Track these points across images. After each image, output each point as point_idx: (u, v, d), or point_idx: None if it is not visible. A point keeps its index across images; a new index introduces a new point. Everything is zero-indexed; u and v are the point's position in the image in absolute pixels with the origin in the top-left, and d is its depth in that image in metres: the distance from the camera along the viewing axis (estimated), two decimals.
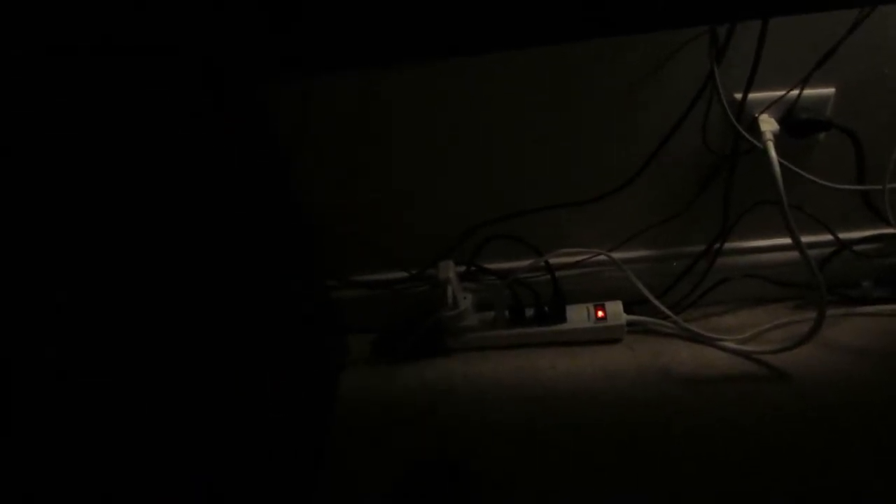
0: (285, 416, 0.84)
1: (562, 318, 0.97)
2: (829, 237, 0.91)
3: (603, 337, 0.98)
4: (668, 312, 0.95)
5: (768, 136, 0.78)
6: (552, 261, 0.94)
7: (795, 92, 0.78)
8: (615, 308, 0.97)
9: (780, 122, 0.80)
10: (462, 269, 0.98)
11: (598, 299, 0.98)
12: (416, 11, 0.44)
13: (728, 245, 0.93)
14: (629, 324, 0.97)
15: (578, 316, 0.97)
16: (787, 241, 0.80)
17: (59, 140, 0.50)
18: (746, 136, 0.79)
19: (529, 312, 0.97)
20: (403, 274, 0.99)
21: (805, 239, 0.80)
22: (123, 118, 0.57)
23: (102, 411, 0.54)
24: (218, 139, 0.72)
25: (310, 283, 0.96)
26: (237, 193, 0.76)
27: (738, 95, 0.79)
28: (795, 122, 0.80)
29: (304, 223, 0.92)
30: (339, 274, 1.00)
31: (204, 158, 0.69)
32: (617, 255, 0.94)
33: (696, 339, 0.96)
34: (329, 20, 0.44)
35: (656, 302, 0.94)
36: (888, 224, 0.86)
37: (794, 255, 0.81)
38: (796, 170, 0.81)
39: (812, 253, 0.81)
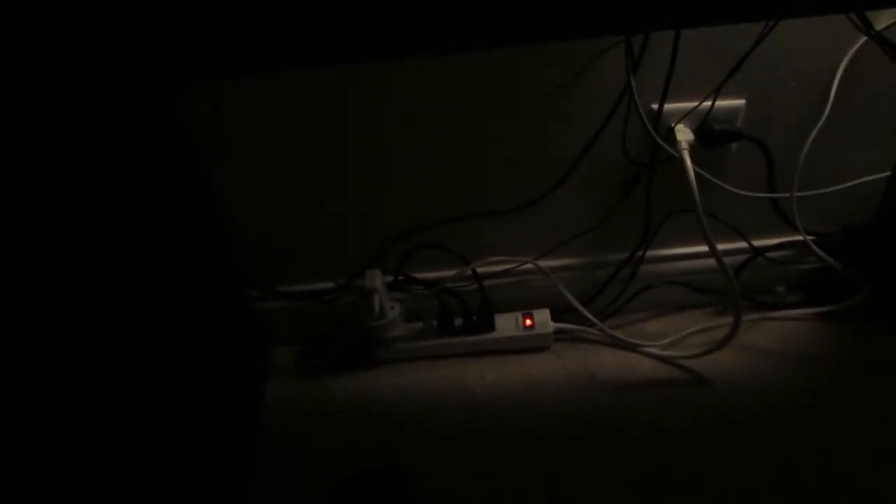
0: (207, 430, 0.81)
1: (490, 327, 0.97)
2: (743, 244, 0.94)
3: (531, 345, 0.98)
4: (594, 320, 0.96)
5: (684, 145, 0.81)
6: (480, 270, 0.94)
7: (709, 103, 0.80)
8: (543, 316, 0.97)
9: (696, 132, 0.83)
10: (390, 278, 0.97)
11: (526, 308, 0.98)
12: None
13: (650, 253, 0.95)
14: (557, 332, 0.97)
15: (507, 325, 0.97)
16: (706, 248, 0.82)
17: None
18: (664, 145, 0.82)
19: (458, 322, 0.97)
20: (330, 284, 0.97)
21: (721, 246, 0.82)
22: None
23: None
24: (131, 145, 0.69)
25: (230, 293, 0.93)
26: (153, 202, 0.73)
27: (655, 106, 0.81)
28: (709, 132, 0.83)
29: (224, 233, 0.90)
30: (265, 284, 0.98)
31: (117, 166, 0.67)
32: (544, 263, 0.95)
33: (621, 345, 0.97)
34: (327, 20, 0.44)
35: (582, 310, 0.95)
36: (797, 231, 0.89)
37: (713, 261, 0.83)
38: (711, 178, 0.84)
39: (728, 260, 0.84)
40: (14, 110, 0.52)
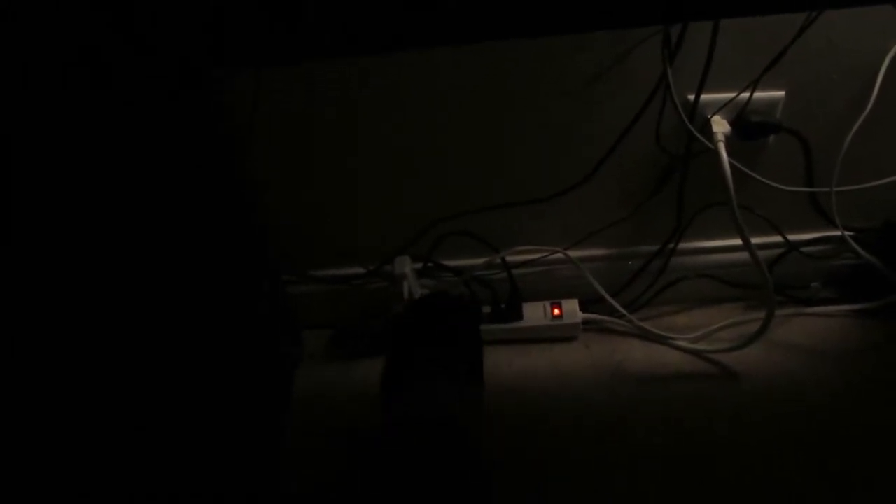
0: (239, 413, 0.83)
1: (518, 315, 0.97)
2: (778, 238, 0.92)
3: (559, 335, 0.98)
4: (623, 311, 0.96)
5: (719, 137, 0.79)
6: (509, 258, 0.94)
7: (746, 94, 0.79)
8: (571, 306, 0.97)
9: (732, 124, 0.82)
10: (419, 265, 0.97)
11: (555, 297, 0.98)
12: None
13: (682, 245, 0.94)
14: (585, 322, 0.97)
15: (535, 314, 0.97)
16: (739, 241, 0.81)
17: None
18: (699, 136, 0.80)
19: (486, 310, 0.97)
20: (361, 269, 0.98)
21: (755, 240, 0.81)
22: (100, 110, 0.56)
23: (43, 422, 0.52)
24: (168, 131, 0.70)
25: (264, 278, 0.94)
26: (189, 188, 0.74)
27: (691, 97, 0.80)
28: (746, 124, 0.81)
29: (258, 218, 0.91)
30: (297, 269, 0.99)
31: (154, 151, 0.68)
32: (573, 253, 0.95)
33: (649, 337, 0.97)
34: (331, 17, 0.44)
35: (611, 300, 0.95)
36: (835, 226, 0.87)
37: (746, 255, 0.82)
38: (746, 171, 0.82)
39: (762, 254, 0.83)
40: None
